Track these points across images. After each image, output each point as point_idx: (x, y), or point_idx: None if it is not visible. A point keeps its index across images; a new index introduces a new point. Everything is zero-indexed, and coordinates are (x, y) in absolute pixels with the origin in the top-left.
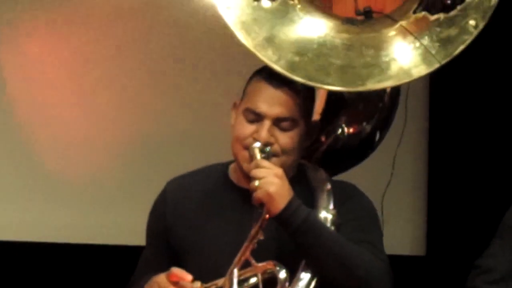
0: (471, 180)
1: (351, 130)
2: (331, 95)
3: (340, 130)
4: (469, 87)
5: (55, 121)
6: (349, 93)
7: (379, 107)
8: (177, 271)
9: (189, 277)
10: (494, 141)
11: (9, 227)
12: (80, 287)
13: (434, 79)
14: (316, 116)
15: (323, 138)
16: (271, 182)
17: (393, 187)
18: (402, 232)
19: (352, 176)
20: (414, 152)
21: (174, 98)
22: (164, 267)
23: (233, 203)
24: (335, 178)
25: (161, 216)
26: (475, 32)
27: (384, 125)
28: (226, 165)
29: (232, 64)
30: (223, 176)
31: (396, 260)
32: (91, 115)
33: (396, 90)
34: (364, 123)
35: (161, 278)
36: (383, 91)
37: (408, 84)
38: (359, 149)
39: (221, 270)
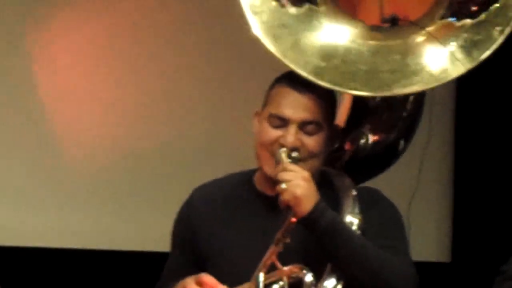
0: (497, 186)
1: (375, 138)
2: (355, 102)
3: (364, 138)
4: (496, 94)
5: (71, 124)
6: (373, 100)
7: (403, 116)
8: (208, 279)
9: (220, 287)
10: None
11: (22, 232)
12: None
13: (460, 86)
14: (340, 123)
15: (347, 146)
16: (297, 184)
17: (419, 194)
18: (427, 238)
19: (379, 183)
20: (440, 158)
21: (196, 103)
22: (189, 274)
23: (258, 210)
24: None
25: (187, 223)
26: (500, 38)
27: (408, 133)
28: (250, 173)
29: (254, 70)
30: (248, 184)
31: (421, 267)
32: (109, 118)
33: (420, 98)
34: (388, 132)
35: (188, 281)
36: (407, 99)
37: (433, 92)
38: (383, 158)
39: (245, 277)
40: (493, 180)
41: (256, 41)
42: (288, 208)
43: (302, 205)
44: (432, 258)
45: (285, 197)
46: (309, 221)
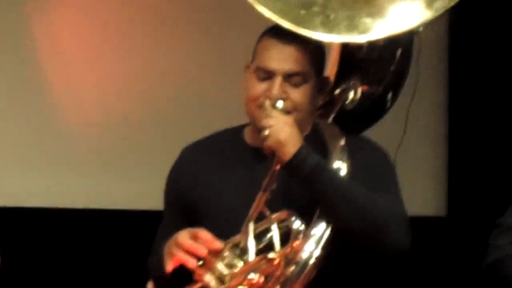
0: (494, 136)
1: (363, 91)
2: (343, 55)
3: (352, 92)
4: (488, 49)
5: (69, 89)
6: (361, 52)
7: (390, 68)
8: (204, 234)
9: (217, 244)
10: None
11: (23, 193)
12: (96, 252)
13: (452, 36)
14: (328, 74)
15: (335, 99)
16: (280, 129)
17: (410, 146)
18: (422, 192)
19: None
20: (430, 108)
21: (186, 65)
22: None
23: (247, 162)
24: None
25: (178, 183)
26: None
27: (396, 85)
28: (241, 128)
29: (244, 28)
30: (238, 138)
31: (416, 222)
32: (105, 81)
33: (408, 52)
34: (377, 85)
35: (182, 234)
36: (394, 52)
37: (421, 44)
38: (371, 111)
39: (235, 227)
40: (488, 132)
41: None
42: (273, 154)
43: (286, 149)
44: (427, 213)
45: (269, 142)
46: (292, 166)
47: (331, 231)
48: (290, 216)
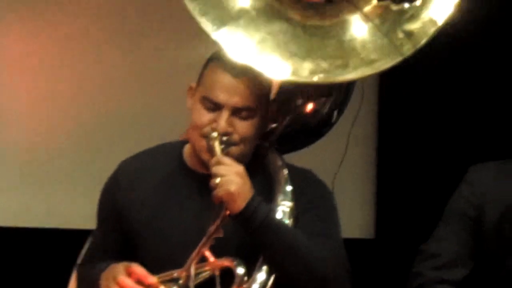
0: (421, 164)
1: (308, 109)
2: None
3: (297, 110)
4: (418, 73)
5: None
6: None
7: (336, 87)
8: (138, 269)
9: (151, 279)
10: (444, 124)
11: None
12: (24, 269)
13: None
14: (272, 95)
15: (280, 119)
16: (231, 180)
17: (343, 170)
18: (351, 215)
19: (305, 157)
20: (365, 136)
21: (125, 77)
22: (115, 251)
23: (190, 188)
24: (291, 155)
25: (113, 199)
26: (436, 27)
27: (341, 104)
28: (179, 147)
29: (188, 43)
30: (178, 159)
31: (345, 243)
32: (45, 94)
33: None
34: (322, 103)
35: (118, 270)
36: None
37: None
38: (316, 128)
39: (177, 258)
40: (417, 158)
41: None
42: (222, 203)
43: (236, 202)
44: (356, 235)
45: (219, 192)
46: (242, 219)
47: (274, 279)
48: (233, 261)
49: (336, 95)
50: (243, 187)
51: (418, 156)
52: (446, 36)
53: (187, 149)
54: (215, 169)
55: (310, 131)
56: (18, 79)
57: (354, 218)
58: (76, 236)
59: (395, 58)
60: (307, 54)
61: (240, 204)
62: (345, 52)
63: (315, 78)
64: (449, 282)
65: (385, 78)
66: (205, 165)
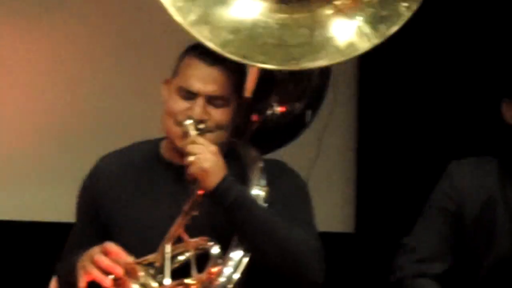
0: (400, 156)
1: (282, 109)
2: (262, 74)
3: (271, 110)
4: (398, 66)
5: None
6: (280, 72)
7: (309, 87)
8: (112, 247)
9: (124, 256)
10: (423, 119)
11: None
12: (10, 263)
13: (363, 60)
14: (247, 94)
15: (254, 117)
16: (205, 158)
17: (321, 164)
18: (331, 209)
19: (279, 152)
20: (343, 130)
21: (104, 73)
22: (94, 244)
23: (165, 179)
24: (266, 156)
25: (92, 192)
26: (407, 14)
27: (315, 104)
28: (157, 142)
29: (168, 40)
30: (155, 153)
31: (325, 237)
32: (24, 88)
33: (327, 70)
34: (295, 103)
35: (94, 251)
36: (313, 71)
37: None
38: (290, 128)
39: (152, 247)
40: (396, 150)
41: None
42: (195, 182)
43: (210, 179)
44: (336, 229)
45: (193, 170)
46: (216, 195)
47: (249, 259)
48: (208, 242)
49: (308, 97)
50: (216, 164)
51: (399, 150)
52: (423, 29)
53: (164, 143)
54: (189, 148)
55: (283, 131)
56: (16, 75)
57: (334, 212)
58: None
59: (365, 45)
60: (278, 43)
61: (213, 180)
62: (317, 40)
63: (286, 66)
64: (429, 276)
65: (363, 68)
66: (180, 155)
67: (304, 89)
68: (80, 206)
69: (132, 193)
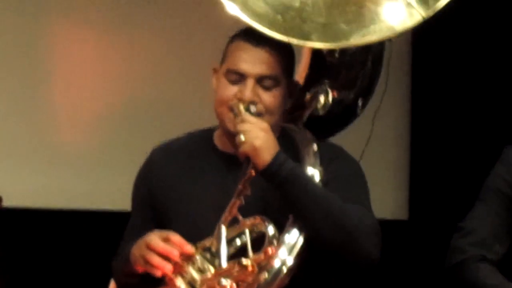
0: (454, 142)
1: (334, 96)
2: (313, 60)
3: (323, 97)
4: (451, 52)
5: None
6: (332, 58)
7: (361, 74)
8: (176, 238)
9: (188, 247)
10: (476, 104)
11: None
12: (67, 252)
13: (416, 45)
14: (298, 78)
15: (306, 104)
16: (256, 135)
17: (374, 150)
18: (384, 196)
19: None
20: (395, 115)
21: (159, 64)
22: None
23: (218, 167)
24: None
25: (147, 184)
26: None
27: (366, 92)
28: (211, 131)
29: (216, 30)
30: (208, 141)
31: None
32: (78, 80)
33: (378, 56)
34: (347, 90)
35: (151, 237)
36: (365, 58)
37: (391, 50)
38: (342, 116)
39: (205, 233)
40: (450, 136)
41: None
42: (248, 160)
43: (261, 156)
44: (389, 216)
45: (244, 148)
46: (269, 172)
47: (304, 238)
48: (263, 222)
49: (360, 86)
50: (268, 141)
51: (452, 136)
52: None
53: (217, 132)
54: (239, 127)
55: (334, 120)
56: (76, 71)
57: (387, 199)
58: (114, 218)
59: (414, 19)
60: (327, 21)
61: (265, 158)
62: (366, 16)
63: (337, 43)
64: (490, 260)
65: (415, 52)
66: (234, 144)
67: (355, 77)
68: (135, 197)
69: (185, 181)
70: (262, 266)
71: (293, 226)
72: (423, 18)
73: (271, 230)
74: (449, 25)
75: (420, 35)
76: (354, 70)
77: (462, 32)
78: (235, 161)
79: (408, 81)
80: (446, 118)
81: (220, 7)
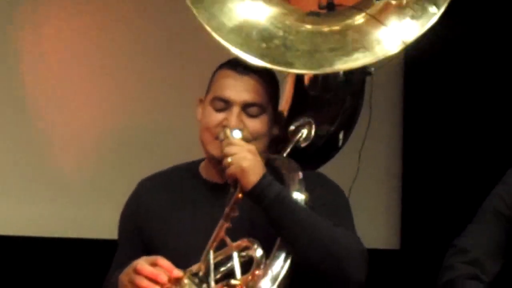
0: (445, 173)
1: (316, 130)
2: (296, 92)
3: (306, 130)
4: (443, 79)
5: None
6: (314, 91)
7: (343, 108)
8: (164, 262)
9: (176, 272)
10: (468, 135)
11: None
12: (55, 280)
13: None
14: (283, 107)
15: (289, 136)
16: (243, 157)
17: (364, 182)
18: (376, 225)
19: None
20: (385, 146)
21: (142, 97)
22: None
23: (205, 197)
24: None
25: (133, 216)
26: (436, 15)
27: (348, 126)
28: (196, 163)
29: (197, 62)
30: (194, 172)
31: (369, 254)
32: (69, 109)
33: (360, 90)
34: (329, 124)
35: (141, 262)
36: (347, 92)
37: (371, 84)
38: (324, 150)
39: (195, 262)
40: (441, 167)
41: (198, 32)
42: (235, 182)
43: (249, 177)
44: (381, 246)
45: (231, 170)
46: (255, 193)
47: (291, 261)
48: (251, 244)
49: (341, 119)
50: (255, 163)
51: (443, 164)
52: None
53: (202, 163)
54: (226, 149)
55: (316, 153)
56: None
57: (379, 228)
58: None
59: (397, 46)
60: (311, 48)
61: (253, 179)
62: (349, 44)
63: (320, 70)
64: (480, 279)
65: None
66: (220, 172)
67: (338, 110)
68: (122, 230)
69: (172, 213)
70: (250, 286)
71: (280, 249)
72: (405, 45)
73: (259, 252)
74: (441, 54)
75: (412, 68)
76: (335, 104)
77: (454, 61)
78: (222, 189)
79: (399, 111)
80: (437, 147)
81: (208, 37)
